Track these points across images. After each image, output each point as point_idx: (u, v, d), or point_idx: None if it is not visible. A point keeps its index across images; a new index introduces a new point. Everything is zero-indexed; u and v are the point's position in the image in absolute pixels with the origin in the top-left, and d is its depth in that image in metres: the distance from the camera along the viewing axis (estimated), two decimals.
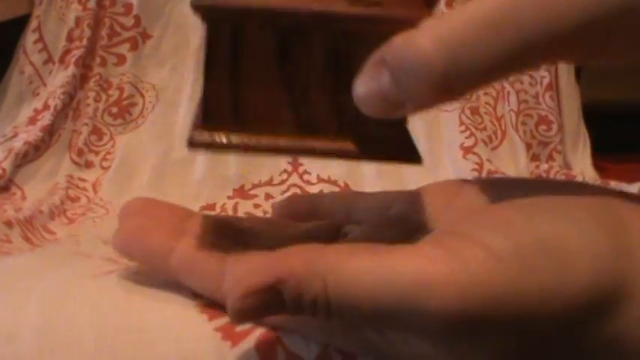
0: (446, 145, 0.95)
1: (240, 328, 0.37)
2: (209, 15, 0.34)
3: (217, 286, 0.37)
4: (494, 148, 0.93)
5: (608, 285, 0.29)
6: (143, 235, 0.39)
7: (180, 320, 0.38)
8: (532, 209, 0.31)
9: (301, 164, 0.93)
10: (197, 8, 0.33)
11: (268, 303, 0.31)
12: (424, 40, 0.29)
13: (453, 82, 0.29)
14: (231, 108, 0.35)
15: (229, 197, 0.90)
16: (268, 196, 0.90)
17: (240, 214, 0.85)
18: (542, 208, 0.31)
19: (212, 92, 0.35)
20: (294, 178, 0.92)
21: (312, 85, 0.35)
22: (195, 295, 0.40)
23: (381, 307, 0.30)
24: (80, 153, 0.94)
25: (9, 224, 0.72)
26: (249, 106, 0.35)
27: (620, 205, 0.31)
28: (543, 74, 1.00)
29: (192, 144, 0.35)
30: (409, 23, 0.31)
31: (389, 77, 0.30)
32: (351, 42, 0.34)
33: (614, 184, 0.83)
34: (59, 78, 0.98)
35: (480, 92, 0.99)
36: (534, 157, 0.97)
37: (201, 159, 0.92)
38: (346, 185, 0.91)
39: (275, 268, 0.31)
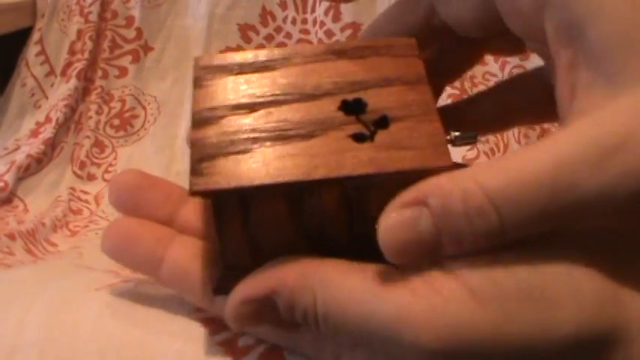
0: None
1: (244, 343, 0.37)
2: (209, 197, 0.33)
3: (210, 300, 0.37)
4: None
5: (593, 334, 0.28)
6: (131, 243, 0.39)
7: (183, 334, 0.38)
8: (521, 249, 0.29)
9: None
10: (196, 194, 0.32)
11: (263, 311, 0.33)
12: (476, 188, 0.28)
13: (506, 232, 0.28)
14: (249, 255, 0.35)
15: None
16: None
17: None
18: (530, 246, 0.29)
19: (229, 247, 0.35)
20: None
21: (327, 225, 0.34)
22: (198, 309, 0.39)
23: (361, 331, 0.30)
24: (82, 166, 0.94)
25: (11, 237, 0.72)
26: (267, 250, 0.34)
27: (615, 243, 0.30)
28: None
29: (219, 291, 0.35)
30: (420, 174, 0.31)
31: (430, 222, 0.28)
32: (361, 189, 0.33)
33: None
34: (61, 91, 0.99)
35: None
36: None
37: None
38: None
39: (270, 280, 0.32)
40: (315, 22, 1.03)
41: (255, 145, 0.32)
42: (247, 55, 0.37)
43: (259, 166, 0.32)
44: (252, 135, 0.33)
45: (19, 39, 1.04)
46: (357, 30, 1.01)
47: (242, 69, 0.36)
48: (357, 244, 0.35)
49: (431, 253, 0.29)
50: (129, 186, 0.41)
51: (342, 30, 1.01)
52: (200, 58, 0.37)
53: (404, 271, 0.31)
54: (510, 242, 0.29)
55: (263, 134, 0.33)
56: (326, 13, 1.01)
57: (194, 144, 0.33)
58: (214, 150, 0.32)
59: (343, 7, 1.01)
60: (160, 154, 0.96)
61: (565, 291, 0.28)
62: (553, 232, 0.30)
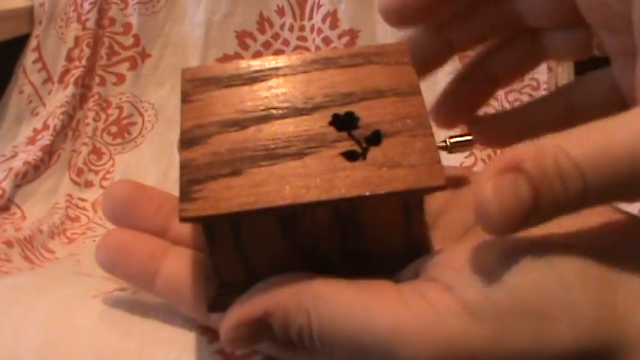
0: (444, 164, 0.93)
1: (241, 351, 0.37)
2: (200, 223, 0.32)
3: (206, 314, 0.37)
4: None
5: (589, 349, 0.28)
6: (125, 256, 0.38)
7: (181, 342, 0.38)
8: (515, 262, 0.29)
9: None
10: (186, 221, 0.31)
11: (258, 332, 0.33)
12: (562, 153, 0.28)
13: (587, 197, 0.28)
14: (243, 272, 0.34)
15: None
16: None
17: None
18: (528, 261, 0.29)
19: (222, 266, 0.34)
20: None
21: (320, 242, 0.34)
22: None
23: (356, 347, 0.30)
24: (80, 173, 0.93)
25: (9, 244, 0.72)
26: (261, 268, 0.34)
27: (613, 253, 0.30)
28: (543, 93, 0.99)
29: (214, 308, 0.35)
30: (409, 193, 0.31)
31: (528, 185, 0.28)
32: (354, 209, 0.33)
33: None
34: (58, 98, 0.98)
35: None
36: None
37: None
38: None
39: (263, 301, 0.32)
40: (312, 29, 1.03)
41: (245, 166, 0.32)
42: (236, 67, 0.36)
43: (250, 189, 0.31)
44: (242, 155, 0.32)
45: (16, 46, 1.04)
46: (354, 37, 1.01)
47: (231, 81, 0.36)
48: (350, 260, 0.35)
49: (529, 218, 0.28)
50: (121, 197, 0.41)
51: (340, 37, 1.01)
52: (187, 70, 0.36)
53: (397, 286, 0.31)
54: (587, 207, 0.29)
55: (253, 153, 0.32)
56: (323, 20, 1.01)
57: (183, 166, 0.32)
58: (204, 172, 0.32)
59: (341, 14, 1.01)
60: (157, 161, 0.96)
61: (560, 306, 0.28)
62: (547, 244, 0.30)
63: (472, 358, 0.28)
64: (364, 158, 0.32)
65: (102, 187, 0.93)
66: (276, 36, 1.04)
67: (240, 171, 0.32)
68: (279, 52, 1.03)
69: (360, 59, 0.36)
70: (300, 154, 0.32)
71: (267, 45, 1.03)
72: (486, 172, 0.29)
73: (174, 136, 1.11)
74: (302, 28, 1.04)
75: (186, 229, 0.40)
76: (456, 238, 0.37)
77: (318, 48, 1.01)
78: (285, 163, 0.32)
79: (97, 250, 0.39)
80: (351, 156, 0.32)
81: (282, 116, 0.34)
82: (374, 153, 0.32)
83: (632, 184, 0.28)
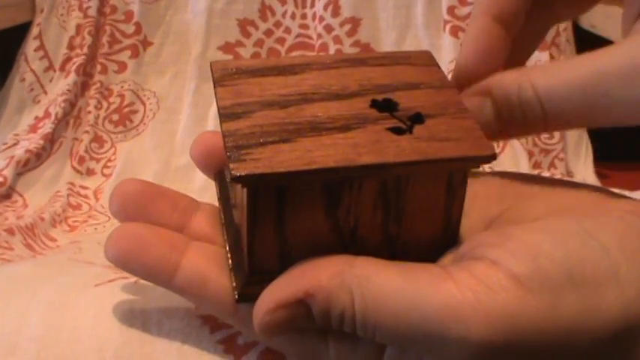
0: None
1: (243, 341, 0.37)
2: (252, 183, 0.31)
3: (232, 311, 0.35)
4: None
5: (635, 317, 0.28)
6: (142, 248, 0.35)
7: (183, 332, 0.38)
8: (558, 233, 0.30)
9: None
10: (238, 179, 0.30)
11: (297, 316, 0.31)
12: (528, 84, 0.34)
13: (547, 123, 0.35)
14: (278, 258, 0.33)
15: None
16: None
17: None
18: (568, 232, 0.30)
19: (258, 247, 0.33)
20: None
21: (362, 224, 0.33)
22: (197, 306, 0.39)
23: (404, 328, 0.29)
24: (81, 161, 0.94)
25: (10, 232, 0.72)
26: (297, 253, 0.33)
27: None
28: None
29: (243, 298, 0.34)
30: (460, 161, 0.32)
31: (492, 108, 0.36)
32: (401, 181, 0.33)
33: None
34: (60, 86, 0.98)
35: None
36: (536, 165, 0.96)
37: None
38: None
39: (303, 282, 0.31)
40: (314, 16, 1.03)
41: (292, 136, 0.32)
42: (266, 62, 0.37)
43: (301, 153, 0.31)
44: (287, 127, 0.32)
45: (18, 34, 1.04)
46: (356, 25, 1.00)
47: (263, 72, 0.36)
48: (388, 248, 0.34)
49: (495, 135, 0.36)
50: (133, 193, 0.39)
51: (342, 25, 1.00)
52: (216, 62, 0.36)
53: (442, 264, 0.31)
54: (551, 131, 0.36)
55: (299, 127, 0.32)
56: (325, 8, 1.01)
57: (227, 134, 0.32)
58: (250, 139, 0.31)
59: (343, 1, 1.01)
60: (159, 149, 0.96)
61: (605, 275, 0.28)
62: (583, 217, 0.31)
63: (527, 331, 0.28)
64: (410, 133, 0.33)
65: (103, 175, 0.94)
66: (277, 24, 1.03)
67: (288, 139, 0.31)
68: (281, 40, 1.03)
69: (387, 60, 0.37)
70: (346, 128, 0.32)
71: (269, 33, 1.03)
72: (466, 91, 0.37)
73: (176, 125, 1.10)
74: (304, 16, 1.04)
75: (206, 228, 0.39)
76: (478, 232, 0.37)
77: (320, 36, 1.01)
78: (333, 135, 0.32)
79: (108, 245, 0.36)
80: (397, 131, 0.33)
81: (322, 100, 0.34)
82: (419, 130, 0.33)
83: (587, 115, 0.34)
